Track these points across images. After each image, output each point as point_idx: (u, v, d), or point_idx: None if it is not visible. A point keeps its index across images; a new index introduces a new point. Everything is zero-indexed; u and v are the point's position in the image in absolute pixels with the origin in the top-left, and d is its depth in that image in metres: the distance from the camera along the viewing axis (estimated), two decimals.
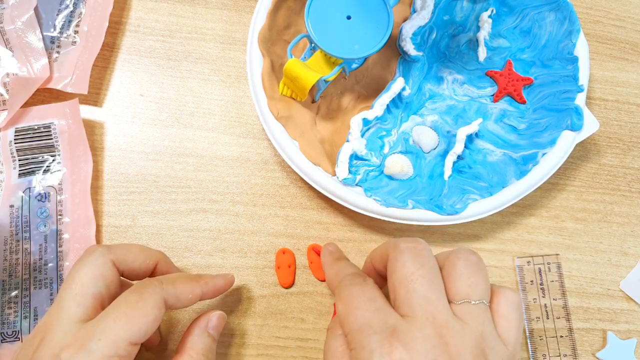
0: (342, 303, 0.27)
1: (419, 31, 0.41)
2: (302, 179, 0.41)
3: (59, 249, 0.38)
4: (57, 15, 0.41)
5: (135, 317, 0.26)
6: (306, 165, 0.38)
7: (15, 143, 0.39)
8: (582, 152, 0.44)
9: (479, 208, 0.38)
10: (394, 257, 0.27)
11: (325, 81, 0.39)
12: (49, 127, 0.39)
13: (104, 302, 0.28)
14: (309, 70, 0.36)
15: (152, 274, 0.33)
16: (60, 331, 0.26)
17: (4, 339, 0.36)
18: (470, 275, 0.26)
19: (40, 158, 0.39)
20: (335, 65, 0.38)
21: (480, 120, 0.40)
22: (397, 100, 0.41)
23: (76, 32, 0.41)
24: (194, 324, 0.32)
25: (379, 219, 0.40)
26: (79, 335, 0.26)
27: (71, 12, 0.42)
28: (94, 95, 0.42)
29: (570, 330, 0.39)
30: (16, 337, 0.36)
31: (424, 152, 0.41)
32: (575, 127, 0.38)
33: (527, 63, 0.42)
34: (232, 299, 0.39)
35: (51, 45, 0.41)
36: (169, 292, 0.28)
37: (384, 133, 0.41)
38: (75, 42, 0.41)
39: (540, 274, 0.40)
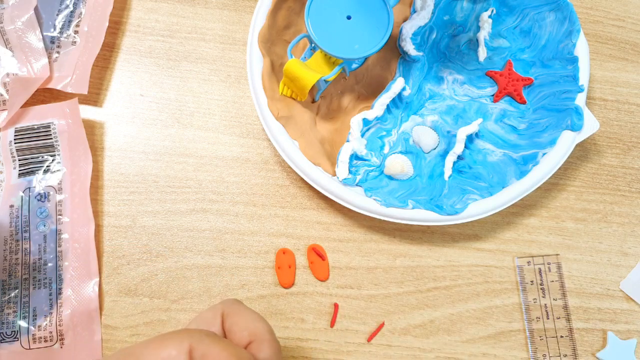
0: None
1: (419, 31, 0.41)
2: (302, 179, 0.41)
3: (58, 249, 0.38)
4: (57, 15, 0.41)
5: (153, 345, 0.26)
6: (306, 165, 0.38)
7: (15, 143, 0.39)
8: (582, 152, 0.44)
9: (479, 208, 0.37)
10: None
11: (325, 81, 0.39)
12: (48, 127, 0.39)
13: None
14: (309, 70, 0.36)
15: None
16: None
17: (3, 339, 0.36)
18: None
19: (40, 158, 0.39)
20: (335, 65, 0.38)
21: (480, 120, 0.40)
22: (397, 100, 0.41)
23: (76, 32, 0.41)
24: None
25: (379, 219, 0.40)
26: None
27: (71, 12, 0.42)
28: (94, 95, 0.42)
29: (571, 330, 0.39)
30: (15, 337, 0.36)
31: (424, 152, 0.41)
32: (575, 127, 0.38)
33: (527, 63, 0.42)
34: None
35: (51, 45, 0.41)
36: (198, 345, 0.26)
37: (384, 133, 0.41)
38: (75, 42, 0.41)
39: (541, 274, 0.40)
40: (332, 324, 0.39)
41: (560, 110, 0.39)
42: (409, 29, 0.40)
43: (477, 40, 0.42)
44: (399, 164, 0.39)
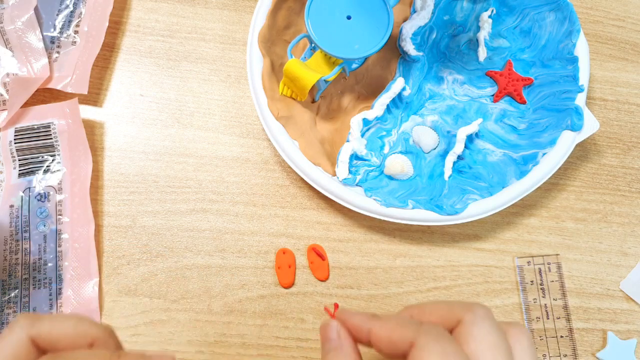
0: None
1: (419, 31, 0.41)
2: (302, 179, 0.41)
3: (58, 249, 0.38)
4: (57, 15, 0.41)
5: None
6: (306, 165, 0.38)
7: (15, 143, 0.39)
8: (582, 152, 0.44)
9: (479, 208, 0.37)
10: (473, 322, 0.25)
11: (325, 81, 0.39)
12: (48, 127, 0.39)
13: None
14: (309, 70, 0.36)
15: None
16: None
17: None
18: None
19: (40, 158, 0.39)
20: (335, 65, 0.38)
21: (480, 120, 0.40)
22: (397, 100, 0.41)
23: (76, 32, 0.41)
24: None
25: (379, 219, 0.39)
26: None
27: (71, 12, 0.42)
28: (94, 95, 0.42)
29: (571, 330, 0.39)
30: None
31: (424, 152, 0.41)
32: (575, 127, 0.38)
33: (527, 63, 0.42)
34: (233, 299, 0.39)
35: (51, 45, 0.41)
36: (39, 328, 0.23)
37: (384, 133, 0.41)
38: (75, 42, 0.41)
39: (541, 274, 0.40)
40: None
41: (560, 110, 0.39)
42: (409, 29, 0.40)
43: (477, 40, 0.42)
44: (399, 164, 0.39)
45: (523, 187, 0.38)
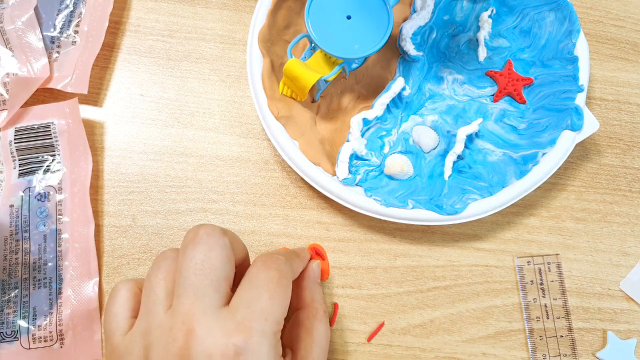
0: None
1: (419, 31, 0.41)
2: (302, 179, 0.41)
3: (58, 249, 0.38)
4: (57, 15, 0.41)
5: (283, 294, 0.27)
6: (306, 165, 0.38)
7: (15, 143, 0.39)
8: (582, 152, 0.44)
9: (479, 208, 0.37)
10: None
11: (325, 81, 0.39)
12: (48, 126, 0.39)
13: (231, 283, 0.28)
14: (309, 70, 0.36)
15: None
16: (212, 320, 0.25)
17: (3, 339, 0.36)
18: None
19: (40, 158, 0.39)
20: (335, 65, 0.38)
21: (480, 120, 0.40)
22: (397, 100, 0.41)
23: (76, 32, 0.41)
24: (304, 277, 0.34)
25: (379, 219, 0.40)
26: (237, 319, 0.25)
27: (71, 12, 0.42)
28: (94, 95, 0.42)
29: (570, 330, 0.39)
30: (15, 337, 0.36)
31: (424, 152, 0.41)
32: (575, 127, 0.38)
33: (527, 63, 0.42)
34: None
35: (51, 45, 0.41)
36: (291, 269, 0.29)
37: (384, 133, 0.41)
38: (75, 42, 0.41)
39: (541, 274, 0.40)
40: (332, 324, 0.39)
41: (560, 110, 0.39)
42: (409, 28, 0.40)
43: (477, 40, 0.42)
44: (399, 164, 0.39)
45: (523, 187, 0.38)
